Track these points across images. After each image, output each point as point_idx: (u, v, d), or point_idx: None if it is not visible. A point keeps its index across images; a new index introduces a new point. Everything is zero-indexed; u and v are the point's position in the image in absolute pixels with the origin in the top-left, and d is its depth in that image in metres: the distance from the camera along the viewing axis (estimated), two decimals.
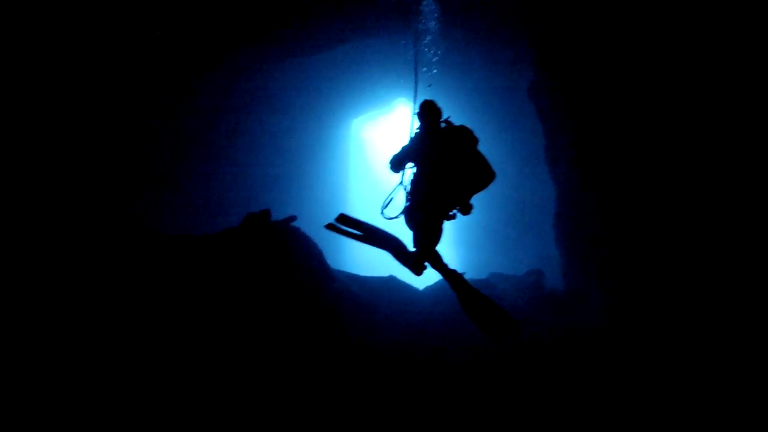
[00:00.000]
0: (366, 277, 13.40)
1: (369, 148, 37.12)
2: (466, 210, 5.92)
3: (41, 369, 4.25)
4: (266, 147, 21.07)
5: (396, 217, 6.08)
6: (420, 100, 6.36)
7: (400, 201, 6.17)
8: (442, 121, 6.03)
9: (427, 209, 5.90)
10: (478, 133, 5.92)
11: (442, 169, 5.84)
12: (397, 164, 6.02)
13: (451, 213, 5.95)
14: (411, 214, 5.98)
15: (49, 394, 4.01)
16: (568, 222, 13.52)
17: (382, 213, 6.15)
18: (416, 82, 7.76)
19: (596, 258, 11.80)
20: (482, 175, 5.78)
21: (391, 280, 13.20)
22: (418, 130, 6.10)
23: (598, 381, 7.27)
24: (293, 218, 9.74)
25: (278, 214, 10.20)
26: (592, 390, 6.67)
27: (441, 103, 6.17)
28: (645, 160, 9.35)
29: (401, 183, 6.12)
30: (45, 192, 10.86)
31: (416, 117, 6.10)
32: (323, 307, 7.58)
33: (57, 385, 4.13)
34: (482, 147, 5.80)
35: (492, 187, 6.17)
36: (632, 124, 9.62)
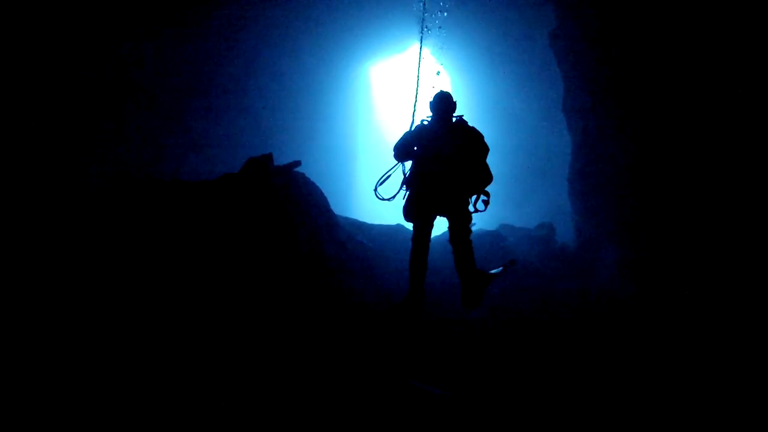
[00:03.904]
0: (373, 224, 13.09)
1: (377, 92, 36.24)
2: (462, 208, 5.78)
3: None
4: (273, 89, 20.48)
5: (389, 200, 5.95)
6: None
7: (396, 180, 5.99)
8: (456, 116, 5.84)
9: (422, 204, 5.75)
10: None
11: (444, 167, 5.65)
12: (403, 153, 5.82)
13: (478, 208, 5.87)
14: (407, 209, 5.83)
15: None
16: (583, 174, 13.10)
17: (376, 191, 6.01)
18: (423, 25, 7.44)
19: (611, 212, 11.48)
20: (481, 179, 5.74)
21: (398, 228, 12.88)
22: (426, 121, 5.90)
23: (609, 337, 7.02)
24: (297, 163, 9.34)
25: (282, 159, 9.80)
26: (603, 347, 6.40)
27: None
28: (669, 111, 8.89)
29: (400, 162, 5.93)
30: (27, 135, 10.46)
31: (429, 106, 5.89)
32: (325, 258, 7.28)
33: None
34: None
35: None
36: (657, 74, 9.11)
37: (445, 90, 5.96)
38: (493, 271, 5.95)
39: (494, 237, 13.56)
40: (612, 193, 11.28)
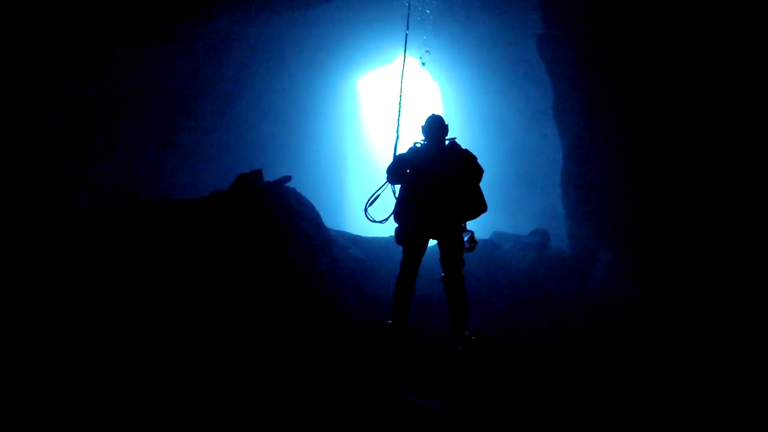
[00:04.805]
0: (366, 237, 12.99)
1: (365, 104, 36.16)
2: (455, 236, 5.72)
3: None
4: (262, 104, 20.44)
5: (381, 222, 5.92)
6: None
7: (386, 199, 5.96)
8: (448, 139, 5.80)
9: (415, 228, 5.71)
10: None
11: (438, 190, 5.61)
12: (397, 176, 5.78)
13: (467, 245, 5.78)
14: (400, 234, 5.81)
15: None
16: (576, 179, 13.06)
17: (366, 212, 5.93)
18: (407, 33, 7.44)
19: (604, 216, 11.43)
20: (475, 206, 5.70)
21: (392, 241, 12.77)
22: (420, 144, 5.86)
23: (608, 342, 6.95)
24: (288, 178, 9.27)
25: (272, 173, 9.72)
26: (601, 353, 6.32)
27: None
28: (661, 113, 8.87)
29: (393, 184, 5.90)
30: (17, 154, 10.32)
31: (421, 130, 5.87)
32: (318, 273, 7.18)
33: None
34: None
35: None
36: (647, 76, 9.09)
37: (436, 113, 5.93)
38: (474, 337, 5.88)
39: (488, 245, 13.48)
40: (605, 197, 11.23)
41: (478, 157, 5.85)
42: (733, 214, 7.45)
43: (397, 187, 5.87)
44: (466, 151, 5.75)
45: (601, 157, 11.25)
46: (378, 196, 5.95)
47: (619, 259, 10.89)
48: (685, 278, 8.40)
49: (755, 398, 4.47)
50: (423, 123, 5.86)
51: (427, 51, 16.65)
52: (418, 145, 5.86)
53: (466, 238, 5.80)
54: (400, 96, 6.57)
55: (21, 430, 3.25)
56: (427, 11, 17.79)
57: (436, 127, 5.78)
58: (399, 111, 6.36)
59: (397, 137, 6.01)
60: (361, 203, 6.13)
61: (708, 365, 5.53)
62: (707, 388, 4.82)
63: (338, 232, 12.38)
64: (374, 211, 5.96)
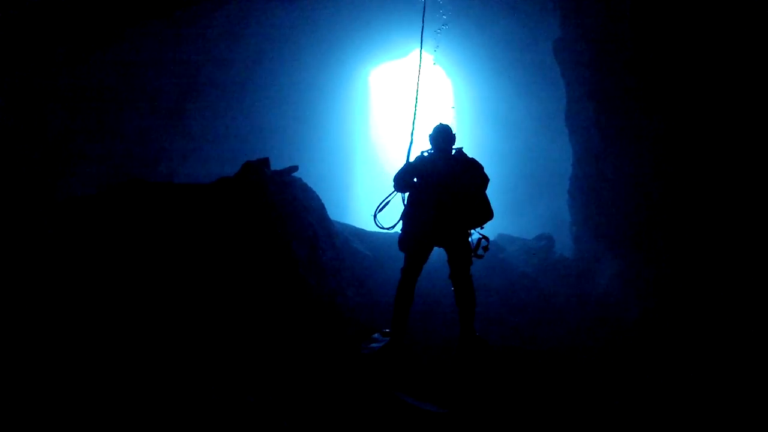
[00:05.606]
0: (372, 232, 12.93)
1: (376, 96, 35.96)
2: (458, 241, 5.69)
3: None
4: (273, 92, 20.36)
5: (388, 229, 5.98)
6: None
7: (394, 204, 6.00)
8: (455, 149, 5.83)
9: (420, 236, 5.70)
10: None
11: (444, 198, 5.61)
12: (403, 185, 5.80)
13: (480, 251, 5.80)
14: (404, 240, 5.80)
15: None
16: (584, 186, 12.97)
17: (375, 218, 5.99)
18: (422, 36, 7.40)
19: (611, 226, 11.34)
20: (482, 214, 5.72)
21: (397, 238, 12.72)
22: (426, 153, 5.88)
23: (609, 351, 6.89)
24: (295, 168, 9.19)
25: (279, 163, 9.65)
26: (602, 361, 6.26)
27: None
28: (673, 125, 8.76)
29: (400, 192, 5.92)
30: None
31: (428, 139, 5.90)
32: (321, 265, 7.13)
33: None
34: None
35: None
36: (662, 86, 8.98)
37: (444, 123, 5.95)
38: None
39: (491, 247, 13.40)
40: (612, 204, 11.15)
41: (488, 158, 5.84)
42: (743, 226, 7.35)
43: (406, 194, 5.87)
44: (473, 160, 5.78)
45: (610, 164, 11.16)
46: (388, 202, 5.97)
47: (624, 267, 10.79)
48: (690, 289, 8.31)
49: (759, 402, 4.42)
50: (431, 132, 5.87)
51: (444, 26, 16.55)
52: (426, 154, 5.86)
53: (481, 246, 5.79)
54: (416, 99, 6.54)
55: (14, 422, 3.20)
56: (442, 12, 17.70)
57: (443, 136, 5.80)
58: (414, 115, 6.36)
59: (411, 141, 6.02)
60: (367, 196, 6.12)
61: (708, 374, 5.48)
62: (707, 396, 4.77)
63: (343, 224, 12.32)
64: (383, 217, 5.97)
